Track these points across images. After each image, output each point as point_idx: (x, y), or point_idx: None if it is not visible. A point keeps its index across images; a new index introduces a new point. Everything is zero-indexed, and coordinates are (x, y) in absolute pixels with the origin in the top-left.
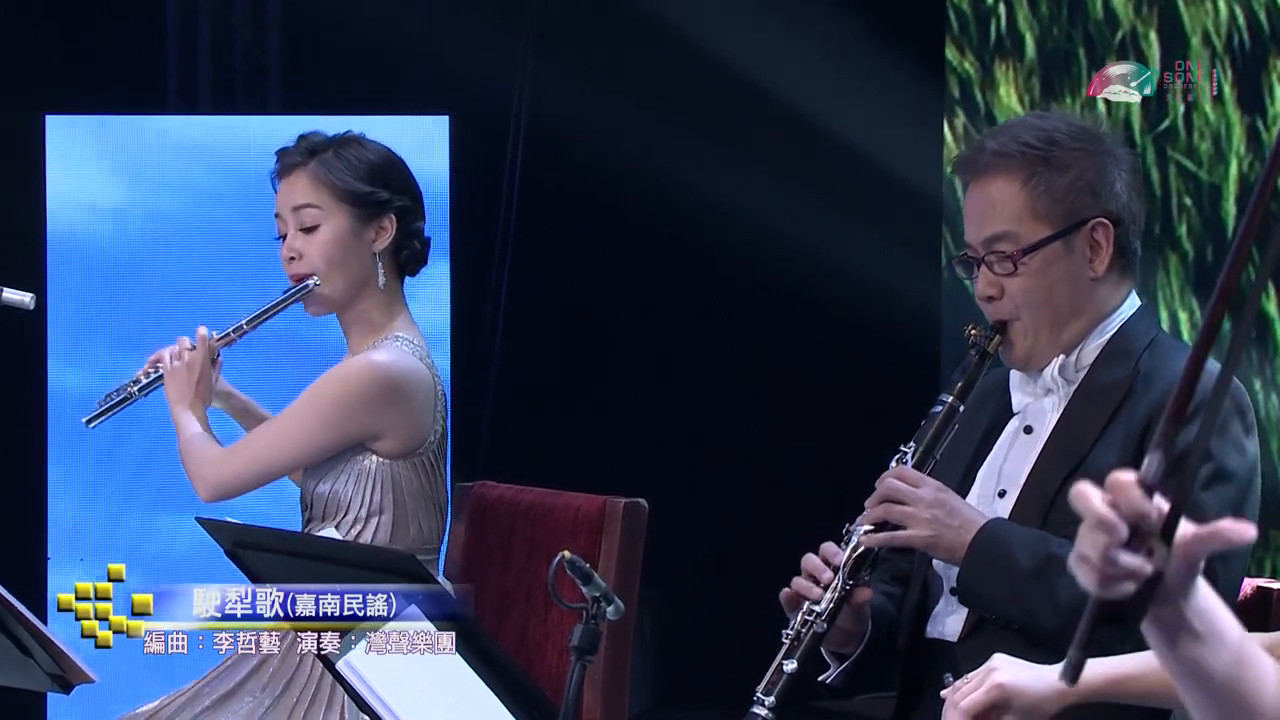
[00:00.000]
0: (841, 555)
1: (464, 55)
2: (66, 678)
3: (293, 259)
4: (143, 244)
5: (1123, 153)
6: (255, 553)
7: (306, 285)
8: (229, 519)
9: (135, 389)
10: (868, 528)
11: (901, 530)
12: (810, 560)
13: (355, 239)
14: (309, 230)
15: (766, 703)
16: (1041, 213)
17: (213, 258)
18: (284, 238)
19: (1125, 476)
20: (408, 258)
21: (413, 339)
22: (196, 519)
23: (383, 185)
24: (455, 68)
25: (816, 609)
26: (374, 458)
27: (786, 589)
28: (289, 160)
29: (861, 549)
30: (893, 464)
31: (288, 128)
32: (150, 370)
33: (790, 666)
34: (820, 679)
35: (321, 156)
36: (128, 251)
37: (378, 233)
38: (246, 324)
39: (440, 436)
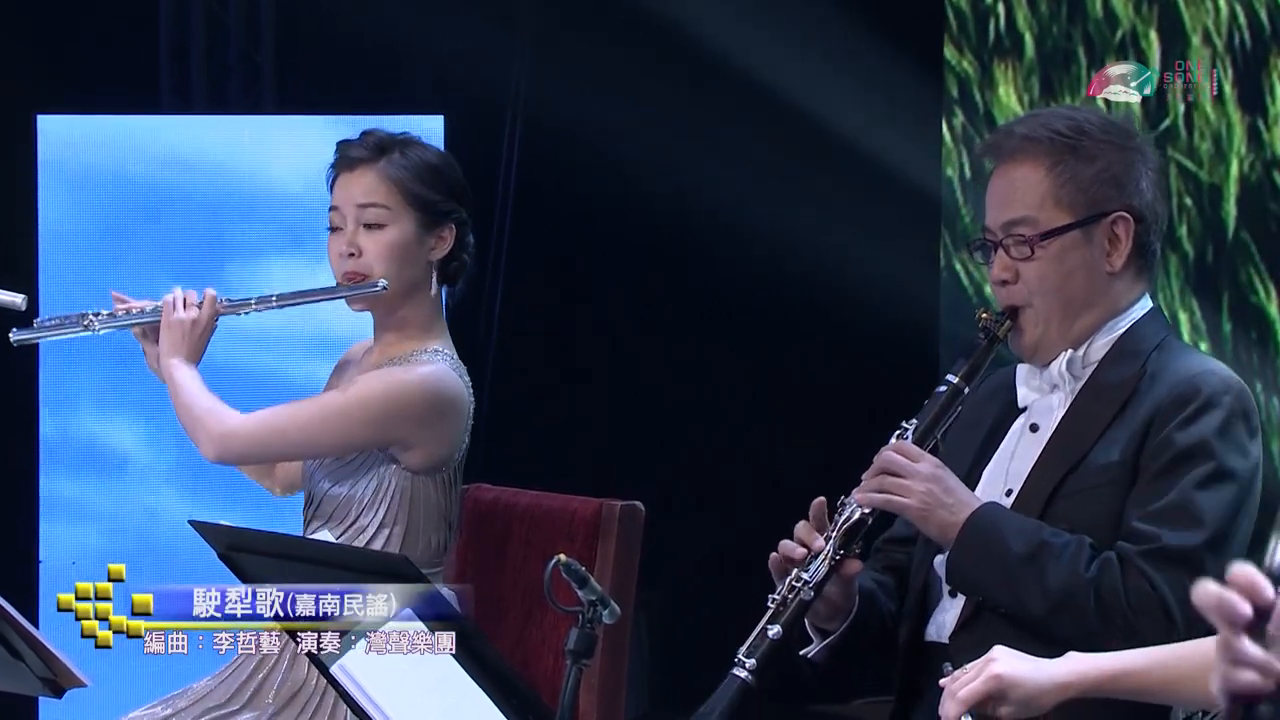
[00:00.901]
0: (833, 524)
1: (459, 54)
2: (58, 682)
3: (351, 254)
4: (136, 245)
5: (1151, 152)
6: (249, 556)
7: (377, 286)
8: (222, 522)
9: (98, 323)
10: (861, 501)
11: (895, 499)
12: (801, 526)
13: (417, 245)
14: (372, 228)
15: (747, 664)
16: (1064, 200)
17: (206, 259)
18: (335, 230)
19: (1246, 564)
20: (456, 269)
21: (453, 354)
22: (189, 522)
23: (447, 194)
24: (450, 67)
25: (805, 576)
26: (397, 468)
27: (774, 554)
28: (355, 154)
29: (855, 519)
30: (893, 439)
31: (282, 128)
32: (123, 310)
33: (774, 631)
34: (802, 653)
35: (389, 156)
36: (121, 252)
37: (437, 241)
38: (276, 300)
39: (464, 453)
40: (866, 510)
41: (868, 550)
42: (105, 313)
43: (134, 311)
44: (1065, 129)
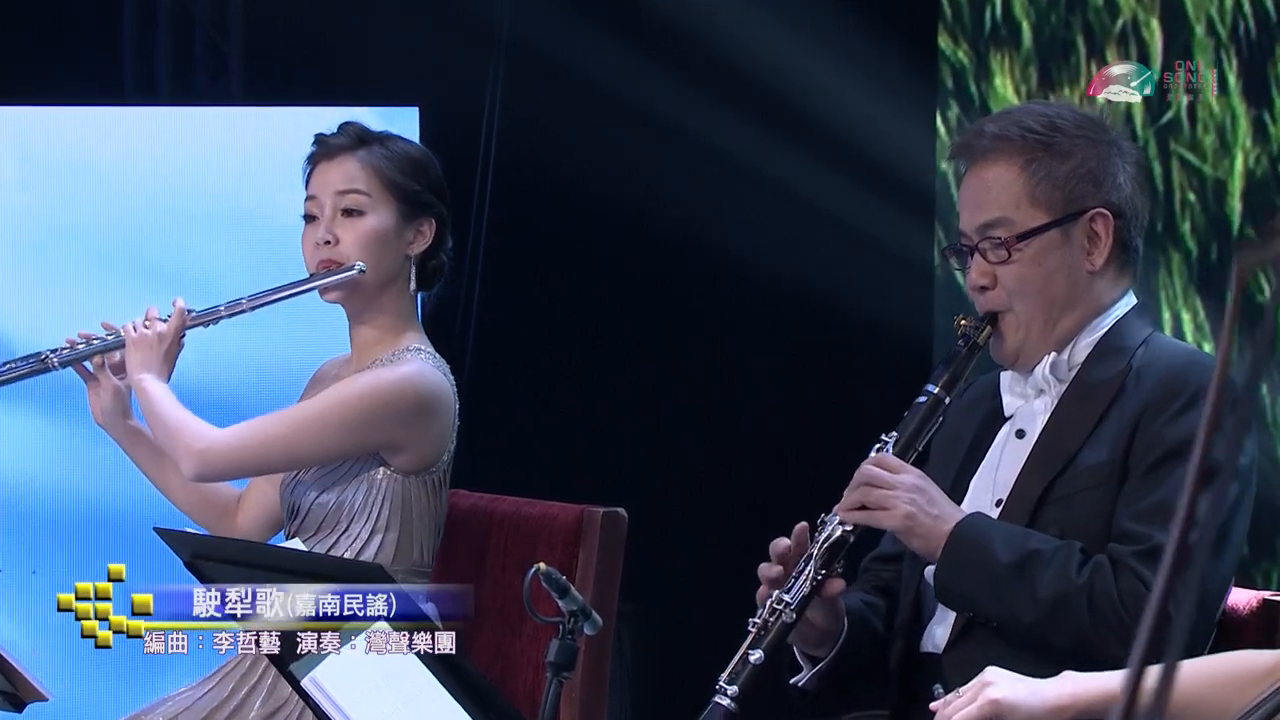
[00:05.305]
0: (814, 543)
1: (435, 43)
2: (19, 695)
3: (327, 243)
4: (102, 240)
5: (1128, 145)
6: (215, 564)
7: (352, 269)
8: (188, 530)
9: (56, 359)
10: (843, 515)
11: (878, 512)
12: (777, 543)
13: (396, 236)
14: (350, 215)
15: (729, 692)
16: (1040, 199)
17: (174, 253)
18: (311, 219)
19: None
20: (434, 269)
21: (433, 351)
22: (155, 529)
23: (427, 187)
24: (425, 56)
25: (786, 597)
26: (386, 471)
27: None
28: (335, 143)
29: (836, 537)
30: (873, 452)
31: (250, 119)
32: (81, 342)
33: (755, 656)
34: (792, 681)
35: (370, 146)
36: (86, 249)
37: (416, 235)
38: (247, 302)
39: (451, 455)
40: (848, 528)
41: (850, 569)
42: (63, 348)
43: (94, 342)
44: (1038, 126)
